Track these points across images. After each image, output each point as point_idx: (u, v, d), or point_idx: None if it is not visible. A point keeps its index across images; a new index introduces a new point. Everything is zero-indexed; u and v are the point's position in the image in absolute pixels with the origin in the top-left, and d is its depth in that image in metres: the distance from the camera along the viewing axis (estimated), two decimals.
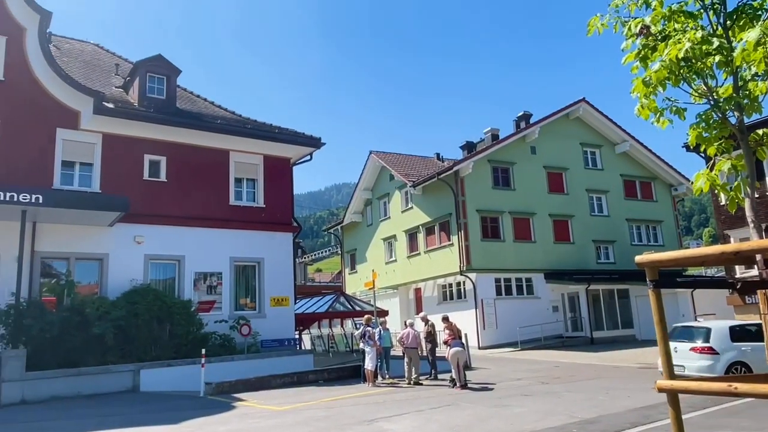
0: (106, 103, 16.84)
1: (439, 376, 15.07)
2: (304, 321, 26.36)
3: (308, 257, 68.44)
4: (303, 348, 25.43)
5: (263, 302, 18.84)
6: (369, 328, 14.85)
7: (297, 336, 22.53)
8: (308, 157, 21.14)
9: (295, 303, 20.94)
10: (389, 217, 34.41)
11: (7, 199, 13.07)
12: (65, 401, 12.63)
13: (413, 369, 14.51)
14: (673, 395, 3.19)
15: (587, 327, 28.03)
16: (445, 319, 14.75)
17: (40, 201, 13.50)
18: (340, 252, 44.35)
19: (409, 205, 32.01)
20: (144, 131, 17.50)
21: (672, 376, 3.20)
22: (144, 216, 16.73)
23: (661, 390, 3.20)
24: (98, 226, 16.00)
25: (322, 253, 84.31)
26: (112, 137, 17.07)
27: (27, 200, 13.31)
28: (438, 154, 37.37)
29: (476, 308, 26.64)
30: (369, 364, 14.33)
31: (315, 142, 20.48)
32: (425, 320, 16.26)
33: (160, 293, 15.73)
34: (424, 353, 15.35)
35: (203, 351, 13.88)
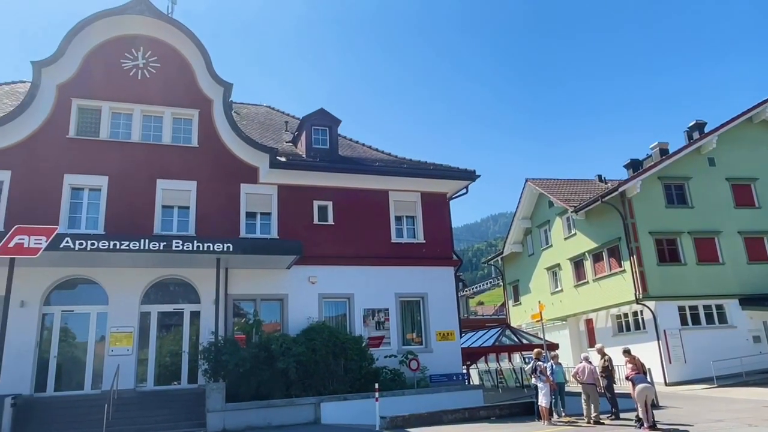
0: (279, 158, 18.72)
1: (621, 415, 13.90)
2: (470, 355, 26.08)
3: (469, 290, 67.96)
4: (471, 383, 25.10)
5: (429, 337, 19.11)
6: (540, 363, 14.23)
7: (465, 370, 22.34)
8: (464, 191, 21.34)
9: (461, 337, 20.88)
10: (551, 245, 33.04)
11: (205, 249, 15.05)
12: (258, 431, 13.83)
13: (592, 406, 13.57)
14: None
15: None
16: (627, 353, 13.62)
17: (231, 249, 15.32)
18: (501, 284, 43.46)
19: (572, 232, 30.49)
20: (312, 179, 19.08)
21: None
22: (316, 258, 18.06)
23: None
24: (278, 269, 17.60)
25: (482, 285, 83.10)
26: (285, 187, 18.84)
27: (220, 249, 15.21)
28: (600, 176, 35.30)
29: (658, 340, 24.24)
30: (543, 401, 13.69)
31: (469, 175, 20.66)
32: (601, 353, 15.18)
33: (334, 330, 16.74)
34: (601, 389, 14.30)
35: (376, 385, 14.38)
